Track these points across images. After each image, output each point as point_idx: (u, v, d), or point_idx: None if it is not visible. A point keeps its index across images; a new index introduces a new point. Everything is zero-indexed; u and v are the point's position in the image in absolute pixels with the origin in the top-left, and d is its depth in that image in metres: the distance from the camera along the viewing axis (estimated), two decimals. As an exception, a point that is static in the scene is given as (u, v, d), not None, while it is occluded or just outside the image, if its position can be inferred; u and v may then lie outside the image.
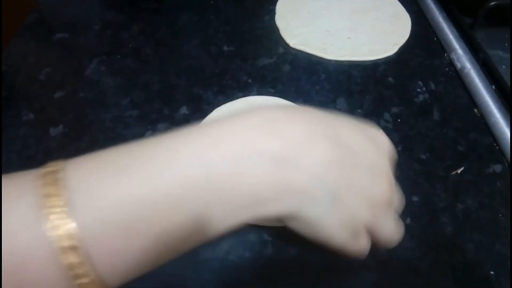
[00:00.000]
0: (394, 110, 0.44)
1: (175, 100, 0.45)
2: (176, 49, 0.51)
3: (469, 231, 0.35)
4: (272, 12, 0.56)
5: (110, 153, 0.20)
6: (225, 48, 0.51)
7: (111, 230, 0.18)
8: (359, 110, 0.44)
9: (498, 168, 0.39)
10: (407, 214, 0.36)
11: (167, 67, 0.48)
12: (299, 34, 0.52)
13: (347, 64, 0.49)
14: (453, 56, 0.50)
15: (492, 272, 0.32)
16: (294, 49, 0.51)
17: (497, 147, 0.41)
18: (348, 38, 0.52)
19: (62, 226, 0.17)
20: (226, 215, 0.20)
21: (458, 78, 0.48)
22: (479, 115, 0.44)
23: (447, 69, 0.49)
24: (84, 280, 0.17)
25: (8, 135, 0.41)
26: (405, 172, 0.39)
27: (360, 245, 0.25)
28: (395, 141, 0.41)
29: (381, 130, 0.26)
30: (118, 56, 0.49)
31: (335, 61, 0.50)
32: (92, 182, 0.18)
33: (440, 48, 0.52)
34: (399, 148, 0.41)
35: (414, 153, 0.40)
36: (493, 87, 0.46)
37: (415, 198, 0.37)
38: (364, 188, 0.23)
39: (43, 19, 0.55)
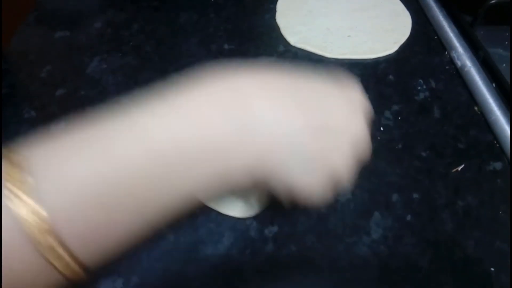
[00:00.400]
0: (395, 108, 0.44)
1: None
2: (177, 47, 0.51)
3: (469, 228, 0.35)
4: (273, 10, 0.56)
5: (73, 131, 0.20)
6: (226, 46, 0.51)
7: (81, 211, 0.18)
8: (359, 108, 0.44)
9: (498, 165, 0.39)
10: (408, 210, 0.36)
11: (168, 65, 0.48)
12: (300, 32, 0.52)
13: (348, 62, 0.49)
14: (453, 54, 0.50)
15: (492, 269, 0.33)
16: (294, 47, 0.51)
17: (497, 145, 0.41)
18: (349, 36, 0.52)
19: (30, 212, 0.17)
20: (194, 178, 0.20)
21: (458, 76, 0.48)
22: (479, 112, 0.44)
23: (447, 67, 0.49)
24: (61, 262, 0.17)
25: (10, 133, 0.41)
26: (406, 169, 0.39)
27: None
28: (396, 139, 0.41)
29: (356, 83, 0.27)
30: (119, 54, 0.50)
31: (336, 59, 0.50)
32: (56, 164, 0.18)
33: (441, 46, 0.52)
34: (400, 146, 0.41)
35: (415, 150, 0.40)
36: (493, 85, 0.46)
37: (415, 195, 0.37)
38: (342, 150, 0.24)
39: (44, 18, 0.55)
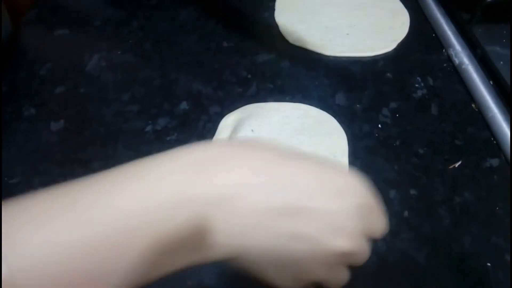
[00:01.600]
0: (393, 105, 0.45)
1: (175, 95, 0.45)
2: (176, 44, 0.51)
3: (466, 223, 0.35)
4: (272, 9, 0.56)
5: (50, 196, 0.19)
6: (225, 44, 0.51)
7: (43, 279, 0.17)
8: (358, 105, 0.44)
9: (495, 162, 0.40)
10: (406, 207, 0.36)
11: (167, 62, 0.49)
12: (298, 31, 0.52)
13: (346, 60, 0.50)
14: (451, 52, 0.50)
15: (488, 264, 0.33)
16: (293, 45, 0.51)
17: (494, 142, 0.41)
18: (347, 34, 0.52)
19: None
20: (160, 262, 0.20)
21: (456, 73, 0.48)
22: (476, 110, 0.44)
23: (445, 64, 0.49)
24: None
25: (10, 130, 0.41)
26: (404, 166, 0.39)
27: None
28: (393, 136, 0.41)
29: (355, 175, 0.24)
30: (119, 52, 0.50)
31: (334, 57, 0.50)
32: (18, 230, 0.18)
33: (439, 44, 0.52)
34: (398, 143, 0.41)
35: (413, 147, 0.41)
36: (491, 82, 0.46)
37: (413, 192, 0.37)
38: (317, 244, 0.21)
39: (44, 16, 0.55)
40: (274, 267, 0.22)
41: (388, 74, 0.48)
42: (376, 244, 0.34)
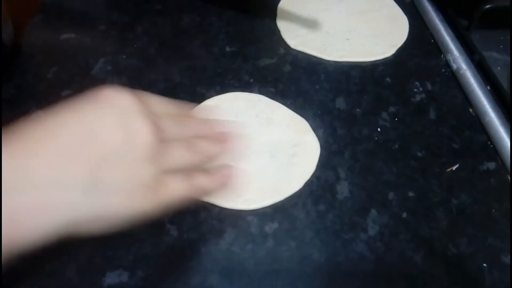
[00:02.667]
0: (392, 109, 0.46)
1: (179, 99, 0.46)
2: (180, 49, 0.52)
3: (463, 225, 0.36)
4: (273, 14, 0.57)
5: None
6: (227, 48, 0.52)
7: None
8: (357, 109, 0.45)
9: (491, 165, 0.41)
10: (404, 208, 0.37)
11: (171, 66, 0.50)
12: (299, 35, 0.53)
13: (346, 65, 0.51)
14: (449, 57, 0.51)
15: (484, 264, 0.34)
16: (294, 50, 0.52)
17: (491, 145, 0.42)
18: (347, 39, 0.53)
19: None
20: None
21: (454, 78, 0.49)
22: (474, 114, 0.45)
23: (443, 70, 0.50)
24: None
25: (17, 132, 0.42)
26: (402, 168, 0.40)
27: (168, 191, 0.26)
28: (392, 139, 0.42)
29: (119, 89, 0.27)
30: (124, 56, 0.51)
31: (334, 61, 0.51)
32: None
33: (437, 49, 0.53)
34: (396, 146, 0.42)
35: (411, 150, 0.42)
36: (488, 87, 0.47)
37: (411, 194, 0.38)
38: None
39: (50, 20, 0.56)
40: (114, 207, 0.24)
41: (387, 79, 0.49)
42: (375, 245, 0.35)
